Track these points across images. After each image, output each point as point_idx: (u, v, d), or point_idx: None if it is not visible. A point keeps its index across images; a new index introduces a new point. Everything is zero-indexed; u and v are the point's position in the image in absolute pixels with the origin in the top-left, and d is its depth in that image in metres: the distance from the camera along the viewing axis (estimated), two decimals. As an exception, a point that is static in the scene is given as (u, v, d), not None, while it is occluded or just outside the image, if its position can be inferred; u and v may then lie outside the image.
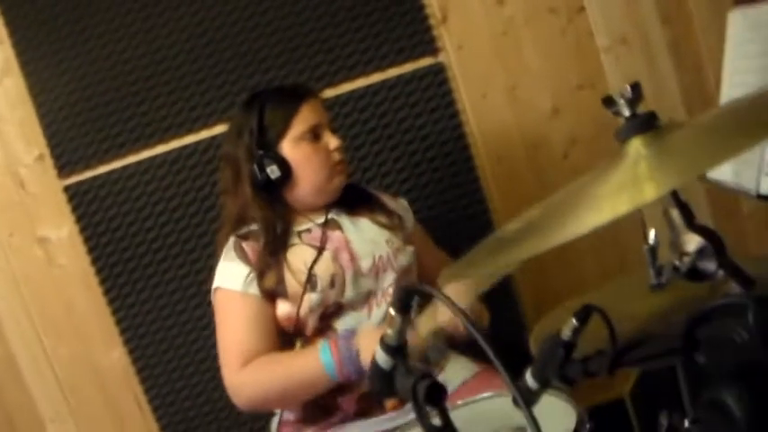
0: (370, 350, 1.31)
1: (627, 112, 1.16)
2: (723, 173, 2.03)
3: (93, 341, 2.91)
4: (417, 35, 2.83)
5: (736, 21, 2.09)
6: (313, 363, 2.01)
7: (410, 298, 1.24)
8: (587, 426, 1.53)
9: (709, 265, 1.15)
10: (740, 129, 1.10)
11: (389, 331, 1.26)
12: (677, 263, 1.20)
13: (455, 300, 1.16)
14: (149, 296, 2.87)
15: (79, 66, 2.83)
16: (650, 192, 1.00)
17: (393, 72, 2.84)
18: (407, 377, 1.22)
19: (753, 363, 1.02)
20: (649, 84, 2.68)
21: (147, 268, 2.86)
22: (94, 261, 2.87)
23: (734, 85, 2.08)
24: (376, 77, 2.83)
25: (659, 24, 2.81)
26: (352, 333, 2.03)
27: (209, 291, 2.21)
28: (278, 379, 2.04)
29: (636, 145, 1.13)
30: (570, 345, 1.22)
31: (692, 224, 1.19)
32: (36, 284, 2.91)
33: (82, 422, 2.92)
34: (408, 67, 2.84)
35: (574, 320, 1.21)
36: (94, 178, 2.84)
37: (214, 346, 2.22)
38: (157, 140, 2.84)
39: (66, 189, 2.85)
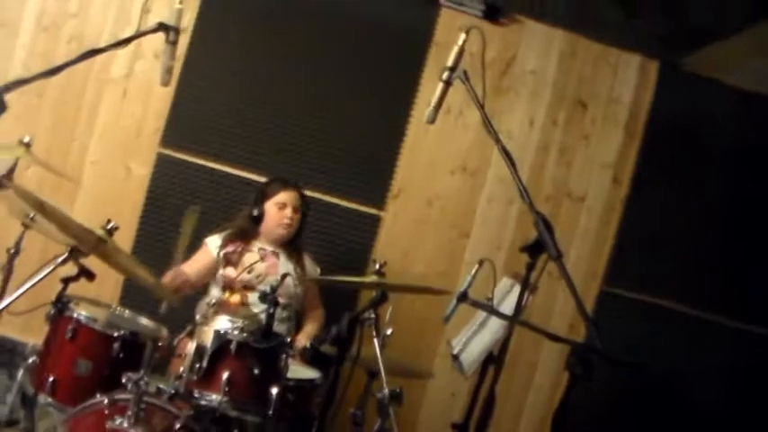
0: None
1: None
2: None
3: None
4: (378, 193, 4.91)
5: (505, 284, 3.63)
6: None
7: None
8: (319, 379, 3.38)
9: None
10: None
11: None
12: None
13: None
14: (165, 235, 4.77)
15: (220, 88, 4.83)
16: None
17: (354, 204, 4.91)
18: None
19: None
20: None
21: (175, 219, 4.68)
22: (148, 194, 4.82)
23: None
24: (342, 200, 4.90)
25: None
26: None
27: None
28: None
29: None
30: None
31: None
32: (114, 191, 4.84)
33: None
34: (364, 207, 4.92)
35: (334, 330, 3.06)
36: (175, 158, 4.83)
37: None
38: (222, 162, 4.84)
39: (159, 155, 4.83)
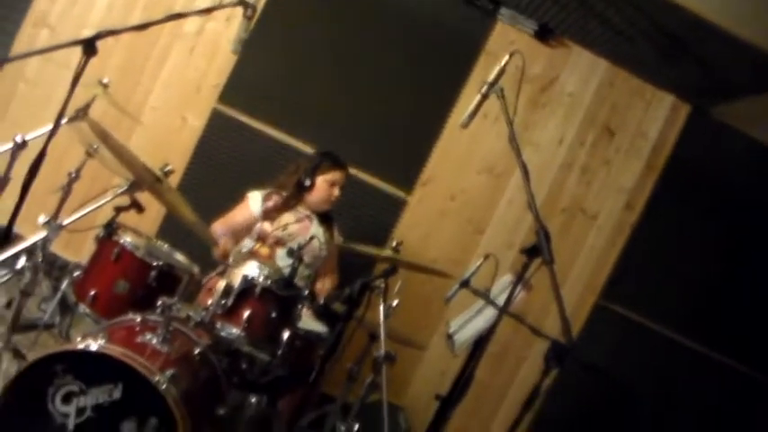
0: None
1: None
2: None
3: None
4: (408, 179, 5.30)
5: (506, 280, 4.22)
6: None
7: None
8: (324, 334, 3.76)
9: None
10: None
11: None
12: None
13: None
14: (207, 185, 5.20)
15: (281, 60, 5.24)
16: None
17: (384, 185, 5.32)
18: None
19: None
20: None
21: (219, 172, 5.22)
22: (198, 145, 5.24)
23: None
24: (374, 179, 5.30)
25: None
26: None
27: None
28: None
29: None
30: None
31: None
32: (166, 134, 5.27)
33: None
34: (392, 189, 5.33)
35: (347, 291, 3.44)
36: (229, 116, 5.25)
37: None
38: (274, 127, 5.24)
39: (214, 110, 5.25)
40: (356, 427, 3.30)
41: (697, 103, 5.33)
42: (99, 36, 2.94)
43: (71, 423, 2.85)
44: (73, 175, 4.11)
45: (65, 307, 3.94)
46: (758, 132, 5.33)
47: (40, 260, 3.07)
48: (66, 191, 4.12)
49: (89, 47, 2.93)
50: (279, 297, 3.35)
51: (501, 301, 3.69)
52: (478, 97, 3.14)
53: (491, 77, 3.11)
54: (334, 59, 5.29)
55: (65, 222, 3.15)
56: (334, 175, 4.48)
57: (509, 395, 5.39)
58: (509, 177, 5.33)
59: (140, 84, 5.26)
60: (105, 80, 3.93)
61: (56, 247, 5.04)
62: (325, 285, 4.52)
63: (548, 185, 5.32)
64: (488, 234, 5.35)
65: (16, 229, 3.15)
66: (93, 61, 2.99)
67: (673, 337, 5.33)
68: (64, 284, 3.73)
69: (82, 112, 3.85)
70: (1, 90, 5.28)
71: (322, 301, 3.57)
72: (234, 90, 5.25)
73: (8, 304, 4.27)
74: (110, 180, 4.25)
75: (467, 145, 5.31)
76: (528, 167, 3.04)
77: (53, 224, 3.07)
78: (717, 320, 5.34)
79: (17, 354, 3.49)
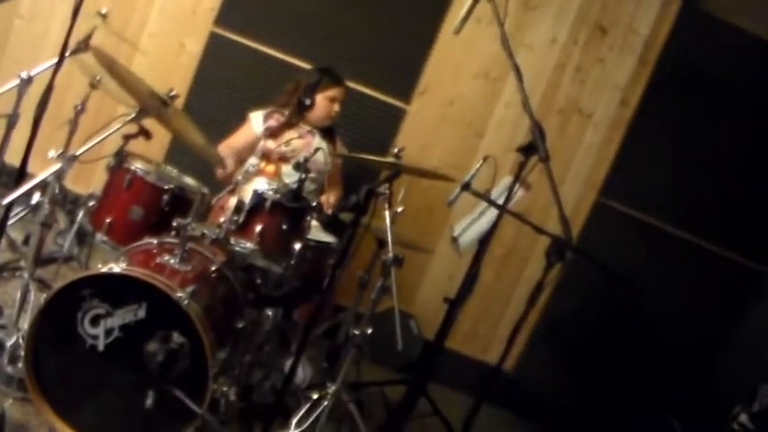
0: None
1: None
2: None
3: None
4: (406, 88, 5.38)
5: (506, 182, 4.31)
6: None
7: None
8: (334, 243, 3.88)
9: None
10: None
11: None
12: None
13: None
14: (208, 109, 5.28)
15: None
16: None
17: (383, 96, 5.39)
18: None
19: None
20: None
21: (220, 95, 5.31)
22: (197, 70, 5.33)
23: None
24: (373, 91, 5.38)
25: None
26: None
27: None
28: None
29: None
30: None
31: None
32: (166, 60, 5.34)
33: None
34: (392, 99, 5.40)
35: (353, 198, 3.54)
36: (226, 38, 5.31)
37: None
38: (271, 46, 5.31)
39: (211, 33, 5.31)
40: (369, 330, 3.43)
41: (688, -5, 5.35)
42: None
43: (101, 344, 3.00)
44: (79, 108, 4.19)
45: (81, 238, 4.07)
46: (747, 23, 5.33)
47: (56, 192, 3.14)
48: (75, 123, 4.21)
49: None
50: (289, 209, 3.46)
51: (502, 202, 3.84)
52: (469, 2, 3.21)
53: (481, -19, 3.17)
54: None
55: (77, 153, 3.23)
56: (334, 92, 4.56)
57: (515, 296, 5.53)
58: (505, 80, 5.38)
59: (136, 11, 5.31)
60: (104, 11, 3.98)
61: (65, 182, 5.17)
62: (329, 199, 4.60)
63: (543, 86, 5.38)
64: (488, 138, 5.43)
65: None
66: (90, -8, 3.07)
67: (672, 231, 5.44)
68: (80, 215, 3.83)
69: (83, 44, 3.90)
70: (-4, 28, 5.34)
71: (329, 212, 3.68)
72: (229, 12, 5.30)
73: (25, 240, 4.42)
74: (113, 110, 4.33)
75: (462, 51, 5.35)
76: (522, 69, 3.12)
77: (67, 155, 3.13)
78: (714, 213, 5.45)
79: (43, 284, 3.64)
